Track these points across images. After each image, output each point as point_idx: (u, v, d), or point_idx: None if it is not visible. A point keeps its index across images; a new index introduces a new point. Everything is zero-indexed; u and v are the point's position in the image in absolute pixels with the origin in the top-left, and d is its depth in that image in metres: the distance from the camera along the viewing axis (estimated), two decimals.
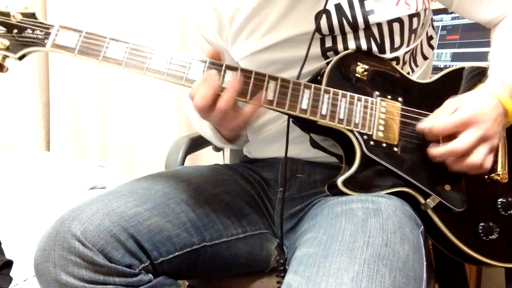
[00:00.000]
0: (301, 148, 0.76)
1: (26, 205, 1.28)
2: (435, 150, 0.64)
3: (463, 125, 0.62)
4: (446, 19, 1.34)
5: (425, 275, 0.59)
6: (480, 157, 0.62)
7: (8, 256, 0.97)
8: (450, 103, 0.66)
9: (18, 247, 1.04)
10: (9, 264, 0.96)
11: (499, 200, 0.70)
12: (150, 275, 0.66)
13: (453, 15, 1.32)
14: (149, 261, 0.66)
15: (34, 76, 1.88)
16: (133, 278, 0.64)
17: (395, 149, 0.68)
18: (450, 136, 0.63)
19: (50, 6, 1.82)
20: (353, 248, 0.55)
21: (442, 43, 1.33)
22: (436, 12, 1.35)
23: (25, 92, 1.88)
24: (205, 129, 0.81)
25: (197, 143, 1.03)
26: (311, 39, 0.68)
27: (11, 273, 0.97)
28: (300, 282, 0.52)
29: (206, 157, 1.69)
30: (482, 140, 0.62)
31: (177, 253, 0.68)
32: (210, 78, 0.61)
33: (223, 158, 1.13)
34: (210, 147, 1.06)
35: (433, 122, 0.64)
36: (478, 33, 1.24)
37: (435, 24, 1.35)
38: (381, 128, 0.68)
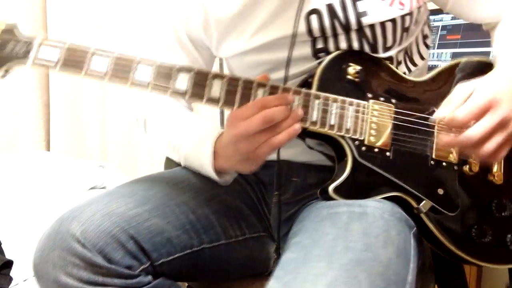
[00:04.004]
0: (297, 150, 0.75)
1: (26, 205, 1.28)
2: (448, 139, 0.61)
3: (482, 111, 0.58)
4: (446, 19, 1.33)
5: (410, 277, 0.58)
6: (494, 146, 0.59)
7: (8, 256, 0.97)
8: (464, 88, 0.62)
9: (18, 247, 1.04)
10: (9, 264, 0.96)
11: (493, 201, 0.69)
12: (150, 276, 0.66)
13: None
14: (149, 262, 0.66)
15: (34, 76, 1.88)
16: (132, 279, 0.63)
17: (388, 153, 0.67)
18: None
19: (50, 7, 1.82)
20: (333, 253, 0.54)
21: (442, 43, 1.33)
22: (436, 12, 1.34)
23: (25, 92, 1.88)
24: (205, 152, 0.70)
25: None
26: (293, 42, 0.66)
27: (11, 273, 0.97)
28: None
29: None
30: (500, 126, 0.59)
31: (177, 255, 0.68)
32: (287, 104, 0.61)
33: None
34: None
35: (452, 112, 0.59)
36: (480, 32, 1.24)
37: (435, 24, 1.35)
38: (373, 132, 0.66)
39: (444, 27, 1.33)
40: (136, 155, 1.82)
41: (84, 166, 1.51)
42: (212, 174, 0.70)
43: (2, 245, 0.98)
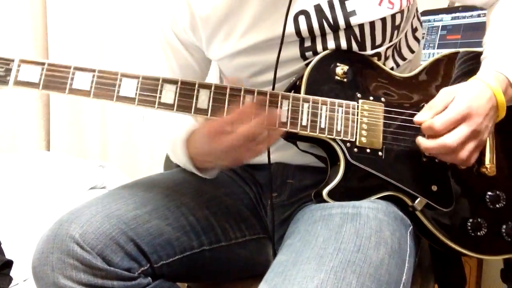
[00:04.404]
0: (292, 153, 0.74)
1: (26, 205, 1.28)
2: (426, 143, 0.62)
3: (458, 122, 0.61)
4: (446, 19, 1.33)
5: (404, 277, 0.58)
6: (466, 154, 0.61)
7: (8, 256, 0.97)
8: (446, 94, 0.63)
9: (18, 247, 1.04)
10: (9, 264, 0.97)
11: (487, 193, 0.69)
12: (149, 278, 0.66)
13: (453, 14, 1.32)
14: (148, 265, 0.66)
15: None
16: (132, 281, 0.63)
17: (380, 153, 0.66)
18: None
19: (50, 6, 1.82)
20: (323, 255, 0.54)
21: (442, 43, 1.32)
22: (436, 12, 1.34)
23: (25, 92, 1.88)
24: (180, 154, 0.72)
25: None
26: (281, 44, 0.66)
27: (11, 273, 0.97)
28: None
29: None
30: (472, 136, 0.61)
31: (177, 257, 0.68)
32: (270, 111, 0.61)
33: None
34: None
35: (431, 119, 0.62)
36: (480, 32, 1.23)
37: (435, 24, 1.34)
38: (364, 133, 0.66)
39: (444, 27, 1.33)
40: (136, 155, 1.82)
41: (84, 166, 1.51)
42: (196, 172, 0.71)
43: (2, 245, 0.99)
